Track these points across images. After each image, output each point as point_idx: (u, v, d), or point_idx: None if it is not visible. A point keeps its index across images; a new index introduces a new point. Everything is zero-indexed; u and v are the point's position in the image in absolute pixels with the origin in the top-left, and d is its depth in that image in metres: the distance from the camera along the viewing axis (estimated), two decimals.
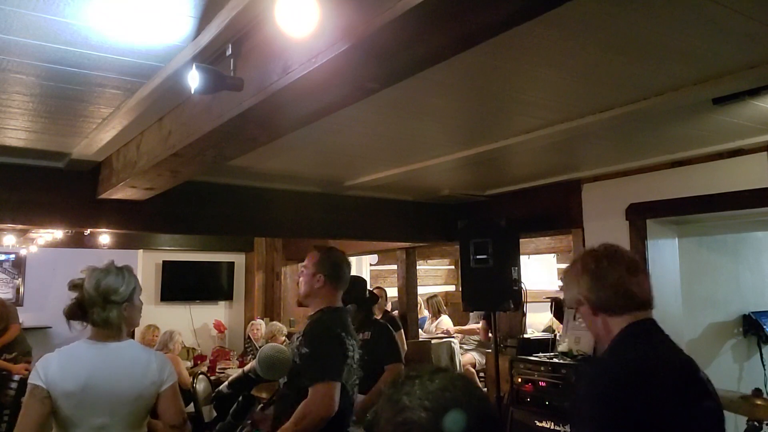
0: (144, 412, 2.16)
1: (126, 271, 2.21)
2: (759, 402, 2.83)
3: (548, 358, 4.15)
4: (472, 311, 6.58)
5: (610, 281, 1.58)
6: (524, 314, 6.24)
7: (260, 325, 7.19)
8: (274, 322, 6.94)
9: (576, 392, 1.52)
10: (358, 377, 2.61)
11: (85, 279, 2.13)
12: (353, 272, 3.01)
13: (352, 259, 8.06)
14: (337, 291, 2.64)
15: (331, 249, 2.75)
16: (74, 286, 2.15)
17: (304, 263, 2.69)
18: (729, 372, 4.79)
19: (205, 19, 2.05)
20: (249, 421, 2.34)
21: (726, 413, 1.60)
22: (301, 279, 2.70)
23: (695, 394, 1.50)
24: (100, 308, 2.10)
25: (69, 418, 2.01)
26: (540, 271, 8.47)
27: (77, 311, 2.13)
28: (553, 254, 8.32)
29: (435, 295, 8.52)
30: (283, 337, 6.54)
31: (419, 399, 0.97)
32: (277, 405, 2.58)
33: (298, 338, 2.55)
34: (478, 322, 7.31)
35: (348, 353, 2.49)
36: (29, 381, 2.03)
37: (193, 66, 2.06)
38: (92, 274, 2.13)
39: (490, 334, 6.77)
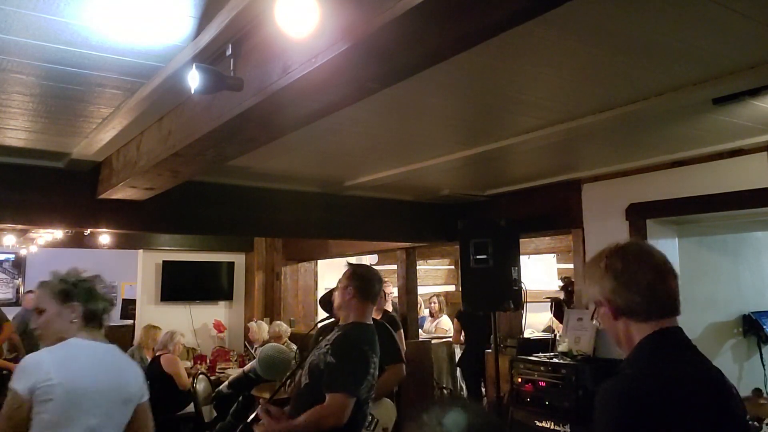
0: (127, 420, 2.09)
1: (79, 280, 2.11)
2: (759, 402, 2.83)
3: (548, 358, 4.15)
4: (473, 311, 6.58)
5: (637, 285, 1.45)
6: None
7: (250, 326, 7.21)
8: (279, 323, 6.93)
9: (597, 408, 1.42)
10: (373, 392, 2.72)
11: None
12: None
13: (352, 260, 8.07)
14: (366, 305, 2.74)
15: (363, 265, 2.91)
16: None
17: (340, 280, 2.82)
18: (729, 372, 4.72)
19: (205, 19, 2.05)
20: (265, 412, 2.37)
21: None
22: (336, 293, 2.81)
23: (724, 409, 1.41)
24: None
25: (60, 417, 1.92)
26: (540, 271, 8.47)
27: None
28: (553, 254, 8.32)
29: (438, 295, 8.57)
30: (286, 339, 6.53)
31: (437, 417, 1.09)
32: (294, 402, 2.66)
33: (326, 346, 2.62)
34: None
35: (370, 369, 2.60)
36: (12, 386, 1.90)
37: (193, 66, 2.06)
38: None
39: (462, 336, 6.76)
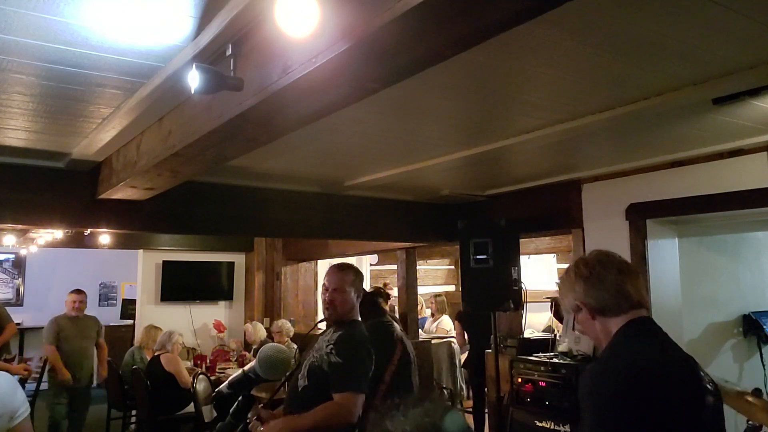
0: None
1: None
2: (759, 402, 2.83)
3: (548, 358, 4.14)
4: (473, 311, 6.60)
5: (604, 283, 1.63)
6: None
7: (246, 328, 7.21)
8: (284, 321, 6.95)
9: (579, 393, 1.57)
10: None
11: None
12: None
13: (352, 259, 8.08)
14: (357, 303, 2.82)
15: (353, 266, 2.94)
16: None
17: (333, 284, 2.75)
18: (729, 372, 4.78)
19: (205, 19, 2.05)
20: (256, 418, 2.36)
21: (726, 413, 1.60)
22: (336, 297, 2.73)
23: (698, 389, 1.51)
24: None
25: None
26: (540, 271, 8.47)
27: None
28: (553, 254, 8.33)
29: (440, 294, 8.59)
30: (287, 338, 6.53)
31: (400, 423, 1.04)
32: (290, 405, 2.65)
33: (328, 346, 2.61)
34: None
35: (373, 365, 2.65)
36: None
37: (193, 66, 2.05)
38: None
39: (465, 337, 6.75)
